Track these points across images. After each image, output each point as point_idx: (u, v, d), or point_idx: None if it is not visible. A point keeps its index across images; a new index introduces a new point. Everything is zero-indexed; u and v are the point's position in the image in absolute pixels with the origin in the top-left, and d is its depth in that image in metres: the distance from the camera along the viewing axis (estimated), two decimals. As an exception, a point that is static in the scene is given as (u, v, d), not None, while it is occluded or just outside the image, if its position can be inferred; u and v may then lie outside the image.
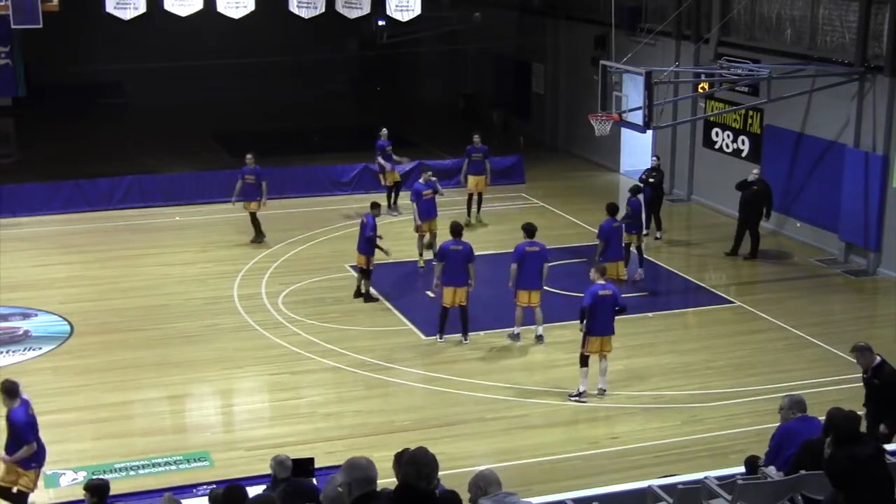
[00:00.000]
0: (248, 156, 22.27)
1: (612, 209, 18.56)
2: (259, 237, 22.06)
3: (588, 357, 14.96)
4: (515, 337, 17.13)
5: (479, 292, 17.32)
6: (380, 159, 24.16)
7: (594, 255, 18.42)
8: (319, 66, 37.61)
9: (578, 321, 14.91)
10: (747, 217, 21.27)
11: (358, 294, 18.96)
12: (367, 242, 18.52)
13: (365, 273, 18.81)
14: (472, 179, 23.82)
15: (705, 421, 14.47)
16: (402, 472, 6.29)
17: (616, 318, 15.06)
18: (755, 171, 21.59)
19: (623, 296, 15.58)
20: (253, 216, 22.02)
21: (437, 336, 17.08)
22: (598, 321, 14.78)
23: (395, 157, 24.28)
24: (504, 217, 24.06)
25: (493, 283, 18.19)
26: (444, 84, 37.64)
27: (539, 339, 17.08)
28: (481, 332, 17.29)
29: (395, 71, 39.56)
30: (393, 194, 24.42)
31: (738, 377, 15.81)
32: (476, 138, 24.08)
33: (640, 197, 20.44)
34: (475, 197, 23.89)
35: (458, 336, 17.06)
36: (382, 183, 24.54)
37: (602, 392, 15.13)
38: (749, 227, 21.28)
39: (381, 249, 18.67)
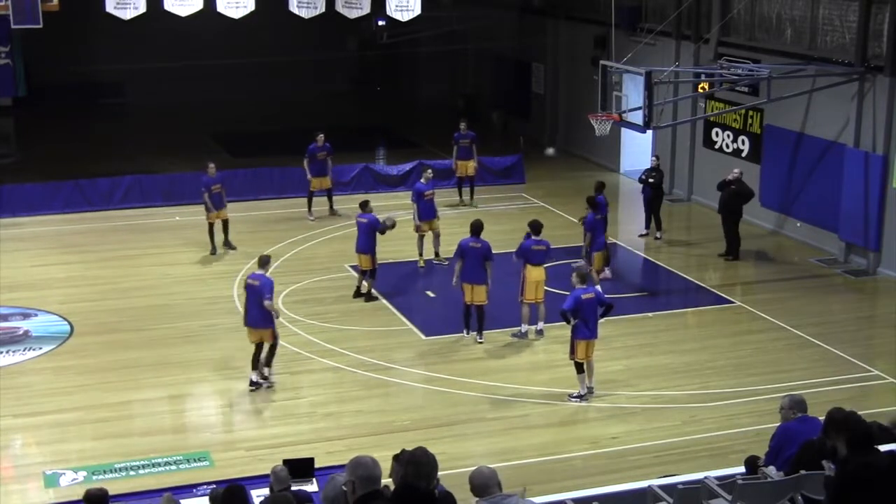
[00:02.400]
0: (212, 165, 21.53)
1: (593, 203, 18.84)
2: (226, 245, 21.67)
3: (583, 363, 14.99)
4: (522, 335, 17.12)
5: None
6: (306, 162, 23.78)
7: (583, 250, 18.62)
8: (319, 66, 37.62)
9: (564, 322, 15.00)
10: (727, 217, 21.27)
11: (358, 294, 18.95)
12: (373, 238, 18.46)
13: (372, 273, 18.78)
14: (461, 164, 25.04)
15: (705, 421, 14.47)
16: (401, 472, 6.29)
17: (607, 317, 15.16)
18: (735, 171, 21.55)
19: (621, 296, 15.61)
20: (225, 224, 21.58)
21: (464, 332, 17.10)
22: (585, 325, 14.79)
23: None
24: (504, 217, 24.06)
25: (493, 283, 18.18)
26: (444, 84, 37.63)
27: (539, 333, 17.13)
28: (484, 333, 17.25)
29: (395, 71, 39.57)
30: (312, 200, 24.05)
31: (738, 377, 15.81)
32: (462, 125, 25.24)
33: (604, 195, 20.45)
34: (465, 181, 25.17)
35: (474, 334, 17.06)
36: (311, 188, 24.05)
37: (591, 391, 15.13)
38: (728, 227, 21.26)
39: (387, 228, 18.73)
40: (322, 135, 23.90)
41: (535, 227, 17.16)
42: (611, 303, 15.19)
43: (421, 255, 20.74)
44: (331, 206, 24.15)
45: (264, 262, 15.56)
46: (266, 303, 14.98)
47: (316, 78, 37.96)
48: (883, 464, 7.76)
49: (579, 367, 14.99)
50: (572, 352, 14.92)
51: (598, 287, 15.93)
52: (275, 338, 15.39)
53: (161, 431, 14.27)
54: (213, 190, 21.32)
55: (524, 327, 17.16)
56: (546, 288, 17.27)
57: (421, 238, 20.66)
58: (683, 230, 24.12)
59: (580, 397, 14.99)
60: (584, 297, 14.75)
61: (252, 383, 15.37)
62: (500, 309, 17.57)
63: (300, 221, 23.70)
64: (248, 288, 15.35)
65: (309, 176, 23.81)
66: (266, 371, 15.47)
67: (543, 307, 17.11)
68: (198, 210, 24.43)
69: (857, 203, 20.58)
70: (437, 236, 20.76)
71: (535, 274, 16.90)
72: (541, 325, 17.19)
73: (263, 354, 15.40)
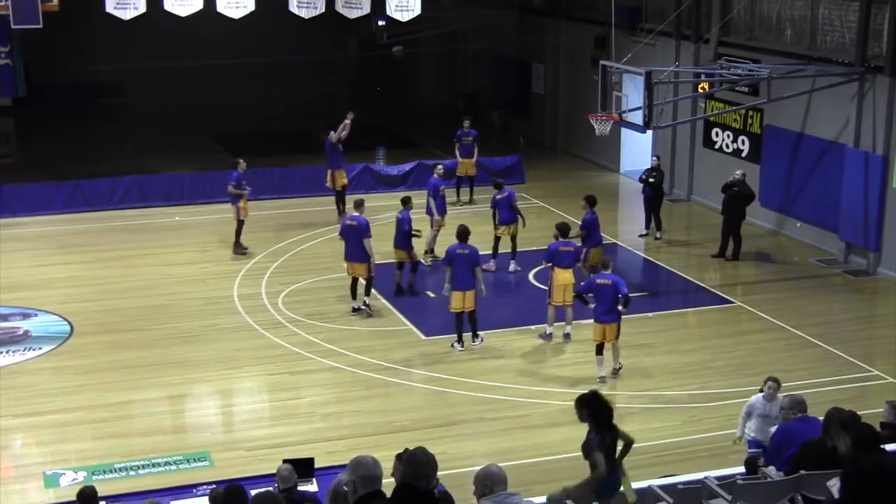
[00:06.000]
0: (242, 161, 21.45)
1: (592, 201, 18.89)
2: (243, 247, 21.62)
3: (601, 345, 15.40)
4: (547, 336, 17.07)
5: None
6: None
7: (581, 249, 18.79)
8: (319, 66, 37.60)
9: (581, 303, 15.86)
10: (729, 218, 21.27)
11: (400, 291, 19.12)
12: (405, 237, 18.74)
13: (413, 266, 19.01)
14: (462, 163, 25.11)
15: (705, 421, 14.48)
16: (401, 472, 6.28)
17: (626, 308, 15.37)
18: (738, 172, 21.53)
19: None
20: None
21: (457, 343, 16.77)
22: (596, 309, 15.29)
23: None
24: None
25: (491, 284, 18.19)
26: (444, 84, 37.63)
27: (566, 337, 17.06)
28: (480, 333, 17.23)
29: (395, 71, 39.55)
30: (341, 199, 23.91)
31: (738, 377, 15.80)
32: (466, 123, 25.38)
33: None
34: (464, 180, 25.23)
35: (468, 336, 16.95)
36: (330, 186, 23.83)
37: (616, 370, 15.64)
38: (730, 229, 21.25)
39: (416, 236, 19.15)
40: (333, 132, 23.71)
41: (563, 229, 17.14)
42: (627, 296, 15.33)
43: (426, 251, 20.62)
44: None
45: (359, 204, 18.26)
46: (366, 241, 17.48)
47: (316, 78, 37.94)
48: (892, 463, 7.78)
49: (597, 349, 15.43)
50: (593, 332, 15.52)
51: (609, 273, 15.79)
52: (370, 271, 17.77)
53: (161, 431, 14.27)
54: (244, 187, 21.18)
55: (549, 328, 17.08)
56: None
57: (436, 233, 20.63)
58: (683, 230, 24.13)
59: (601, 380, 15.40)
60: (598, 281, 15.27)
61: (354, 310, 18.04)
62: (498, 309, 17.57)
63: (300, 221, 23.69)
64: (347, 228, 17.87)
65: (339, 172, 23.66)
66: (366, 300, 18.10)
67: (571, 310, 16.98)
68: (197, 210, 24.53)
69: (857, 203, 20.57)
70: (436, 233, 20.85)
71: (563, 276, 16.80)
72: (568, 328, 17.08)
73: (361, 287, 18.05)
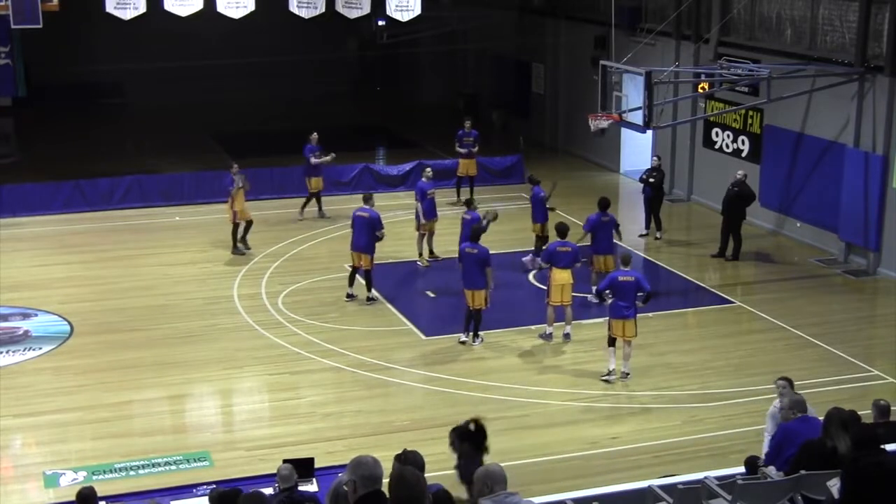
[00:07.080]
0: (236, 165, 21.46)
1: (604, 203, 18.79)
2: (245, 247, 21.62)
3: (615, 339, 15.49)
4: (547, 336, 17.10)
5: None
6: (312, 159, 23.46)
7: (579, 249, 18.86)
8: (319, 66, 37.62)
9: (599, 301, 16.17)
10: (728, 218, 21.28)
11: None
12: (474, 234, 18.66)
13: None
14: (463, 163, 25.17)
15: (705, 421, 14.47)
16: (393, 497, 5.99)
17: (647, 303, 15.57)
18: (740, 173, 21.53)
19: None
20: (248, 224, 21.50)
21: (463, 334, 16.95)
22: (615, 305, 15.36)
23: (323, 157, 23.48)
24: (504, 217, 24.00)
25: (494, 287, 18.16)
26: (444, 84, 37.64)
27: (566, 336, 17.08)
28: (480, 333, 17.24)
29: (395, 71, 39.57)
30: (315, 200, 23.90)
31: (738, 377, 15.80)
32: (467, 123, 25.38)
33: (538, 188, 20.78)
34: (464, 180, 25.26)
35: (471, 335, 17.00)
36: (309, 189, 23.83)
37: (625, 375, 15.59)
38: (731, 229, 21.26)
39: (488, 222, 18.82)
40: (315, 134, 23.79)
41: (562, 229, 17.17)
42: (650, 290, 15.62)
43: (421, 254, 20.76)
44: (320, 208, 24.07)
45: (368, 198, 18.68)
46: (379, 232, 18.07)
47: (316, 78, 37.95)
48: (892, 463, 7.77)
49: (610, 342, 15.55)
50: (608, 327, 15.58)
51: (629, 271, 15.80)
52: (371, 263, 18.28)
53: (161, 431, 14.26)
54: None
55: (549, 329, 17.11)
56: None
57: (422, 237, 20.70)
58: (683, 230, 24.13)
59: (608, 374, 15.49)
60: (620, 278, 15.35)
61: (348, 296, 18.65)
62: (497, 309, 17.55)
63: (300, 221, 23.70)
64: (357, 219, 18.21)
65: (313, 177, 23.70)
66: (369, 294, 18.55)
67: (570, 310, 17.04)
68: (197, 210, 24.53)
69: (857, 203, 20.57)
70: (431, 235, 20.82)
71: (560, 277, 16.79)
72: (568, 328, 17.10)
73: (364, 279, 18.52)
